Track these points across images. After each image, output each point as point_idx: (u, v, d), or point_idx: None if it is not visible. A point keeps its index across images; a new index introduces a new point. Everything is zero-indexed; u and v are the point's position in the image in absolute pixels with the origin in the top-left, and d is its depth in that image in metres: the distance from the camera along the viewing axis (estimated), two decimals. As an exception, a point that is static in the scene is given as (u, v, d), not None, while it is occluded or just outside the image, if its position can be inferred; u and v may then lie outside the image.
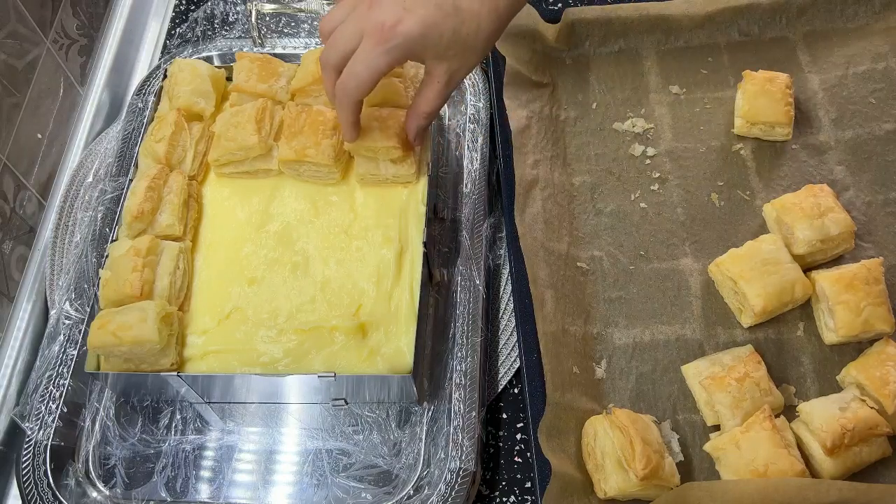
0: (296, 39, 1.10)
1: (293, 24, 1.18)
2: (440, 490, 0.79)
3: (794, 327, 0.88)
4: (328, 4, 1.05)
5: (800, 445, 0.80)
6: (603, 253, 0.94)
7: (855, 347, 0.86)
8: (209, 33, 1.15)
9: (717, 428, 0.82)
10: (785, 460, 0.76)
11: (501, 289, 0.94)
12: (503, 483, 0.84)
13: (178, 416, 0.87)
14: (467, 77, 1.04)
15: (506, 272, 0.94)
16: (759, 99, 0.98)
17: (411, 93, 0.96)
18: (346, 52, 0.75)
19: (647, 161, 1.01)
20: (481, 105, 1.03)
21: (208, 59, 1.08)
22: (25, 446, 0.83)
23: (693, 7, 1.08)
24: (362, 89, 0.76)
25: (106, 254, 0.89)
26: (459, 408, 0.82)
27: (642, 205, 0.97)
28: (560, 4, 1.17)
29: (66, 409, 0.85)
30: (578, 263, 0.93)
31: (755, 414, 0.78)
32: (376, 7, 0.72)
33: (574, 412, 0.82)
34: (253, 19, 1.06)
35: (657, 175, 0.99)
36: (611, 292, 0.91)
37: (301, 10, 1.06)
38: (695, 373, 0.84)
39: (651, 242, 0.95)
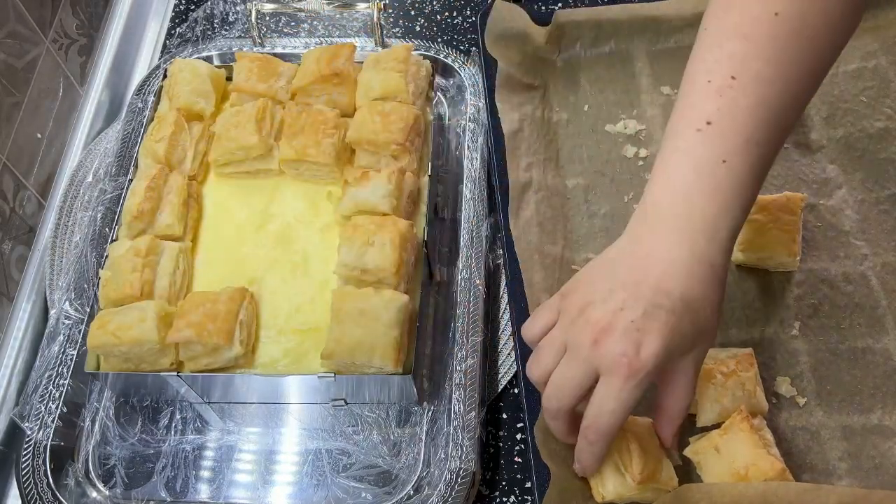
0: (296, 39, 1.06)
1: (293, 23, 1.13)
2: (440, 490, 0.75)
3: (789, 327, 0.84)
4: (328, 4, 1.01)
5: None
6: (598, 255, 0.89)
7: (849, 354, 0.82)
8: (209, 33, 1.10)
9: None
10: (765, 460, 0.72)
11: (501, 289, 0.89)
12: (503, 483, 0.80)
13: (178, 416, 0.83)
14: (467, 76, 1.00)
15: (505, 272, 0.90)
16: (751, 99, 0.93)
17: (412, 88, 0.92)
18: (579, 396, 0.65)
19: (640, 162, 0.96)
20: (481, 105, 0.97)
21: (208, 59, 1.03)
22: (25, 446, 0.79)
23: (683, 7, 1.02)
24: (617, 427, 0.65)
25: (106, 254, 0.85)
26: (459, 408, 0.78)
27: (636, 206, 0.93)
28: (560, 5, 1.12)
29: (65, 409, 0.81)
30: (573, 266, 0.88)
31: (732, 416, 0.75)
32: (607, 340, 0.62)
33: (572, 416, 0.77)
34: (253, 19, 1.01)
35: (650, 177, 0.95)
36: (607, 294, 0.87)
37: (301, 10, 1.02)
38: None
39: (646, 243, 0.90)
